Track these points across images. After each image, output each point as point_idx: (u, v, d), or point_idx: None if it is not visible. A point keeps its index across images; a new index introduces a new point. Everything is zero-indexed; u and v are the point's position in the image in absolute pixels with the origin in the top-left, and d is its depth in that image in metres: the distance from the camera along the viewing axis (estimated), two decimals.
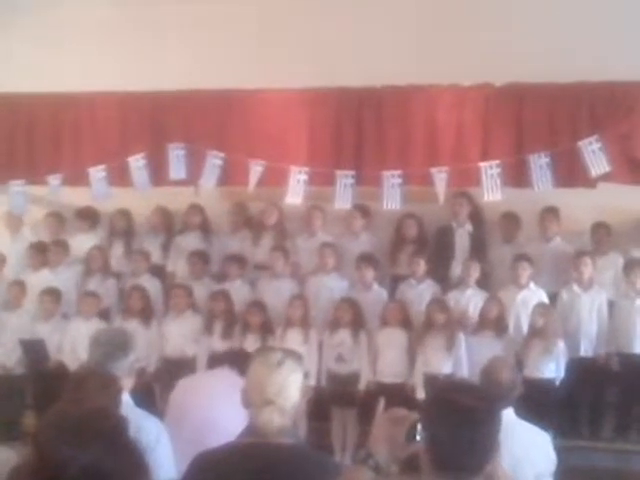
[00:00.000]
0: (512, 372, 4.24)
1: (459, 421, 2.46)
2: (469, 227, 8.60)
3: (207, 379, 4.98)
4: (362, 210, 8.60)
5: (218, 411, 4.09)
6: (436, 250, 8.63)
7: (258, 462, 2.91)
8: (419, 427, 2.54)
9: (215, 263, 8.96)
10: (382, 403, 2.68)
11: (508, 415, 4.01)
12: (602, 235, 8.20)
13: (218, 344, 7.94)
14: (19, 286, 8.70)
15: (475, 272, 8.11)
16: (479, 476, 2.56)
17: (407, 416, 2.60)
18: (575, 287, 7.91)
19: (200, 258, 8.72)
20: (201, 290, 8.51)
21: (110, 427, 2.18)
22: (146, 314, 8.31)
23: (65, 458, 2.03)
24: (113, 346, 4.01)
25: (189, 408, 4.34)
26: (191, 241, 9.00)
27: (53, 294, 8.54)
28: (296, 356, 3.19)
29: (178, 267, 8.99)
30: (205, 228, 9.14)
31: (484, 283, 8.21)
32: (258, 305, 8.13)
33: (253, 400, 3.03)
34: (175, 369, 7.77)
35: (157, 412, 4.33)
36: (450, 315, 7.78)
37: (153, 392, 7.79)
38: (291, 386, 3.04)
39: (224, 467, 2.94)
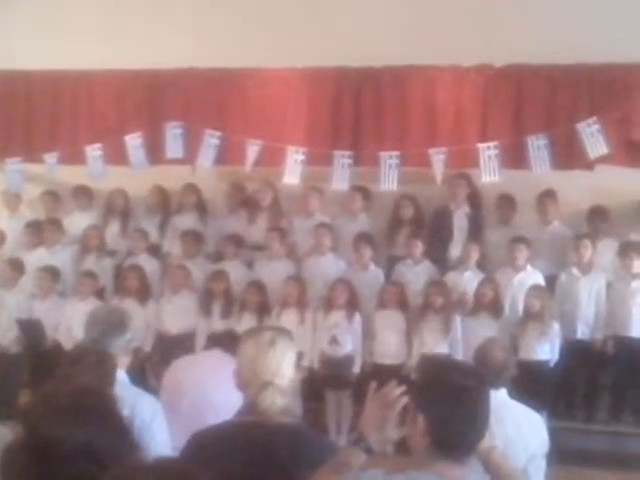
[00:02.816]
0: (505, 352, 4.24)
1: (457, 400, 2.49)
2: (467, 209, 8.60)
3: (201, 359, 5.01)
4: (362, 192, 8.59)
5: (214, 389, 4.10)
6: (434, 231, 8.62)
7: (257, 440, 2.92)
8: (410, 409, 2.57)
9: (211, 243, 8.96)
10: (373, 387, 2.69)
11: (501, 396, 4.02)
12: (599, 219, 8.20)
13: (217, 324, 7.97)
14: (15, 265, 8.69)
15: (475, 254, 8.12)
16: (473, 454, 2.59)
17: (398, 398, 2.61)
18: (574, 270, 7.92)
19: (193, 238, 8.71)
20: (195, 269, 8.51)
21: (102, 405, 2.19)
22: (142, 294, 8.32)
23: (59, 437, 2.04)
24: (110, 324, 4.02)
25: (185, 386, 4.35)
26: (187, 221, 8.98)
27: (50, 272, 8.54)
28: (286, 333, 3.20)
29: (174, 247, 8.99)
30: (201, 208, 9.13)
31: (480, 265, 8.22)
32: (256, 285, 8.13)
33: (249, 381, 3.03)
34: (171, 347, 7.80)
35: (150, 390, 4.33)
36: (448, 298, 7.79)
37: (146, 371, 7.81)
38: (286, 364, 3.06)
39: (223, 445, 2.95)
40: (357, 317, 7.90)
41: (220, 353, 4.53)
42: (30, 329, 8.39)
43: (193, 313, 8.26)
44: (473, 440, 2.56)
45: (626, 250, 7.84)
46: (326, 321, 7.92)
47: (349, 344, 7.86)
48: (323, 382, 7.91)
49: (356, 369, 7.84)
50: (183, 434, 3.32)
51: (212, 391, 4.13)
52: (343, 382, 7.84)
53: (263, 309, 7.99)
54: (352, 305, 7.92)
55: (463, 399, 2.50)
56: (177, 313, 8.28)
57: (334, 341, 7.85)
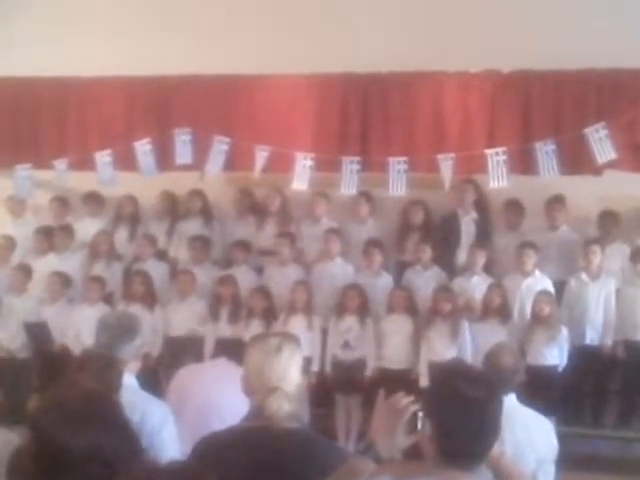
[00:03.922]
0: (514, 358, 4.25)
1: (465, 410, 2.49)
2: (474, 214, 8.60)
3: (207, 367, 5.04)
4: (366, 196, 8.60)
5: (220, 395, 4.12)
6: (442, 237, 8.63)
7: (264, 445, 2.93)
8: (420, 416, 2.56)
9: (219, 248, 9.00)
10: (382, 394, 2.69)
11: (510, 401, 4.02)
12: (610, 224, 8.19)
13: (225, 329, 7.99)
14: (24, 270, 8.74)
15: (481, 259, 8.12)
16: (483, 462, 2.59)
17: (407, 406, 2.61)
18: (583, 276, 7.91)
19: (201, 243, 8.75)
20: (203, 275, 8.55)
21: (108, 411, 2.20)
22: (149, 299, 8.34)
23: (66, 443, 2.05)
24: (120, 329, 4.03)
25: (190, 392, 4.37)
26: (193, 226, 9.02)
27: (61, 277, 8.59)
28: (293, 339, 3.21)
29: (180, 253, 9.02)
30: (206, 213, 9.16)
31: (488, 270, 8.22)
32: (262, 291, 8.15)
33: (256, 387, 3.04)
34: (180, 351, 7.83)
35: (161, 395, 4.35)
36: (456, 303, 7.79)
37: (158, 376, 7.82)
38: (293, 370, 3.07)
39: (230, 450, 2.96)
40: (369, 322, 7.92)
41: (226, 362, 4.55)
42: (36, 332, 8.42)
43: (201, 318, 8.28)
44: (481, 449, 2.55)
45: (638, 255, 7.83)
46: (338, 326, 7.94)
47: (361, 348, 7.88)
48: (334, 386, 7.93)
49: (368, 372, 7.86)
50: (187, 440, 3.34)
51: (217, 398, 4.15)
52: (354, 386, 7.85)
53: (269, 314, 8.00)
54: (364, 310, 7.94)
55: (470, 409, 2.50)
56: (185, 318, 8.31)
57: (347, 345, 7.88)
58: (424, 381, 7.49)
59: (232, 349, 4.65)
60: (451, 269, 8.42)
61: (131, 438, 2.19)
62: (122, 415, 2.25)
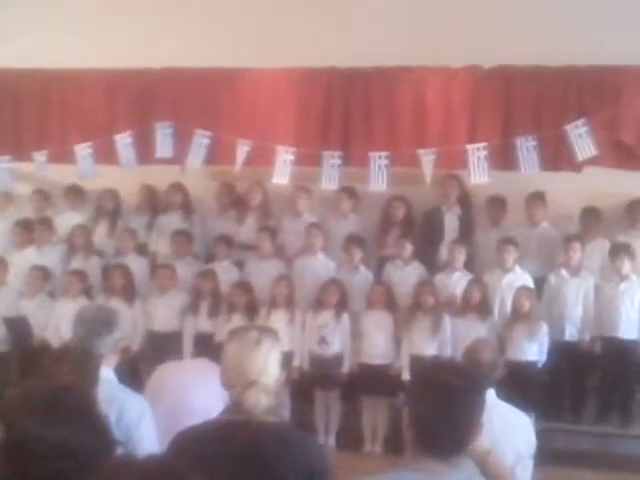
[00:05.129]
0: (493, 353, 4.24)
1: (444, 400, 2.49)
2: (458, 210, 8.60)
3: (185, 365, 5.03)
4: (349, 192, 8.59)
5: (193, 392, 4.11)
6: (425, 233, 8.64)
7: (243, 439, 2.91)
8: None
9: (199, 243, 8.96)
10: None
11: (489, 396, 4.02)
12: (591, 220, 8.22)
13: (204, 323, 7.97)
14: (2, 264, 8.67)
15: (461, 255, 8.12)
16: (461, 454, 2.59)
17: None
18: (563, 272, 7.94)
19: (184, 237, 8.71)
20: (184, 269, 8.52)
21: (80, 403, 2.17)
22: (128, 292, 8.30)
23: (35, 436, 2.03)
24: (98, 323, 4.00)
25: (165, 390, 4.35)
26: (173, 221, 8.97)
27: (41, 271, 8.53)
28: (272, 333, 3.20)
29: (160, 246, 8.98)
30: (187, 207, 9.11)
31: (470, 266, 8.23)
32: (243, 285, 8.12)
33: (234, 381, 3.02)
34: (161, 345, 7.80)
35: (140, 390, 4.33)
36: (438, 298, 7.80)
37: (137, 370, 7.79)
38: (271, 363, 3.05)
39: (207, 443, 2.94)
40: (345, 317, 7.90)
41: (207, 361, 4.53)
42: (16, 326, 8.37)
43: (181, 312, 8.25)
44: (457, 440, 2.54)
45: (617, 251, 7.85)
46: (315, 321, 7.92)
47: (337, 344, 7.87)
48: (312, 382, 7.91)
49: (345, 369, 7.85)
50: (160, 435, 3.32)
51: (189, 396, 4.13)
52: (332, 382, 7.85)
53: (251, 309, 7.98)
54: (341, 305, 7.93)
55: (447, 398, 2.49)
56: (165, 312, 8.27)
57: (323, 341, 7.86)
58: (406, 375, 7.49)
59: (211, 346, 4.63)
60: (434, 265, 8.42)
61: (103, 432, 2.16)
62: (95, 409, 2.22)
